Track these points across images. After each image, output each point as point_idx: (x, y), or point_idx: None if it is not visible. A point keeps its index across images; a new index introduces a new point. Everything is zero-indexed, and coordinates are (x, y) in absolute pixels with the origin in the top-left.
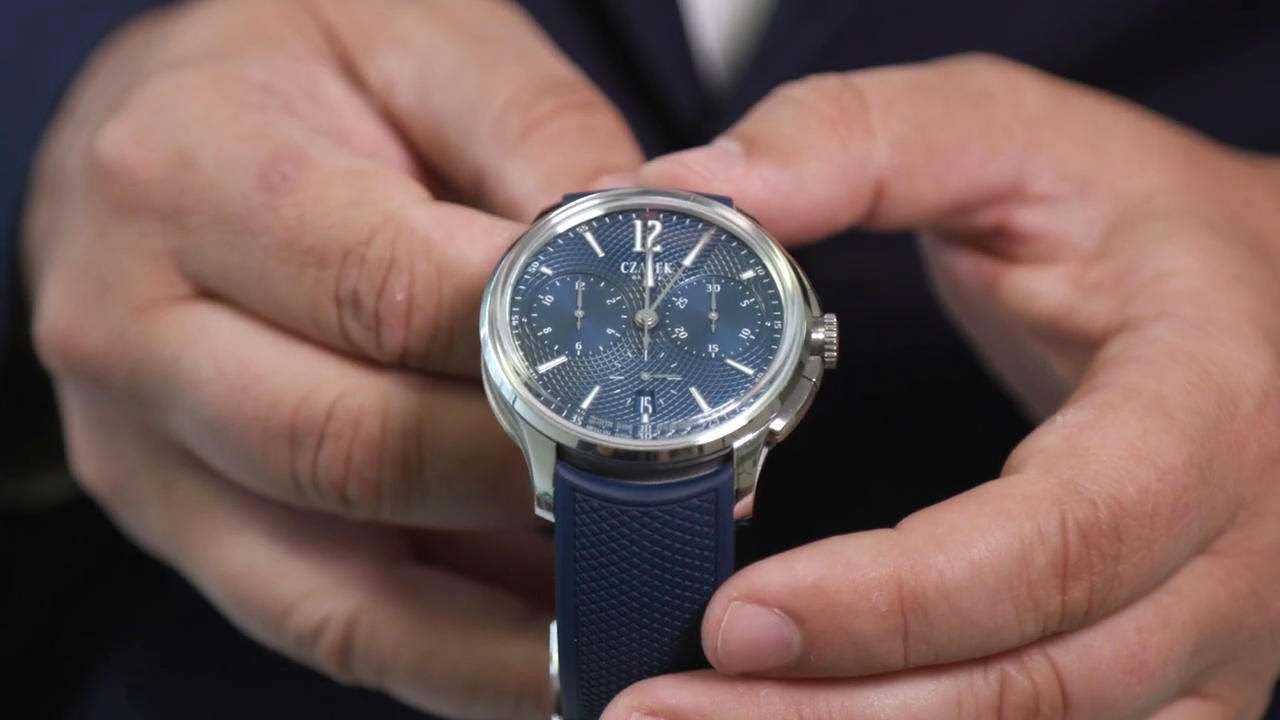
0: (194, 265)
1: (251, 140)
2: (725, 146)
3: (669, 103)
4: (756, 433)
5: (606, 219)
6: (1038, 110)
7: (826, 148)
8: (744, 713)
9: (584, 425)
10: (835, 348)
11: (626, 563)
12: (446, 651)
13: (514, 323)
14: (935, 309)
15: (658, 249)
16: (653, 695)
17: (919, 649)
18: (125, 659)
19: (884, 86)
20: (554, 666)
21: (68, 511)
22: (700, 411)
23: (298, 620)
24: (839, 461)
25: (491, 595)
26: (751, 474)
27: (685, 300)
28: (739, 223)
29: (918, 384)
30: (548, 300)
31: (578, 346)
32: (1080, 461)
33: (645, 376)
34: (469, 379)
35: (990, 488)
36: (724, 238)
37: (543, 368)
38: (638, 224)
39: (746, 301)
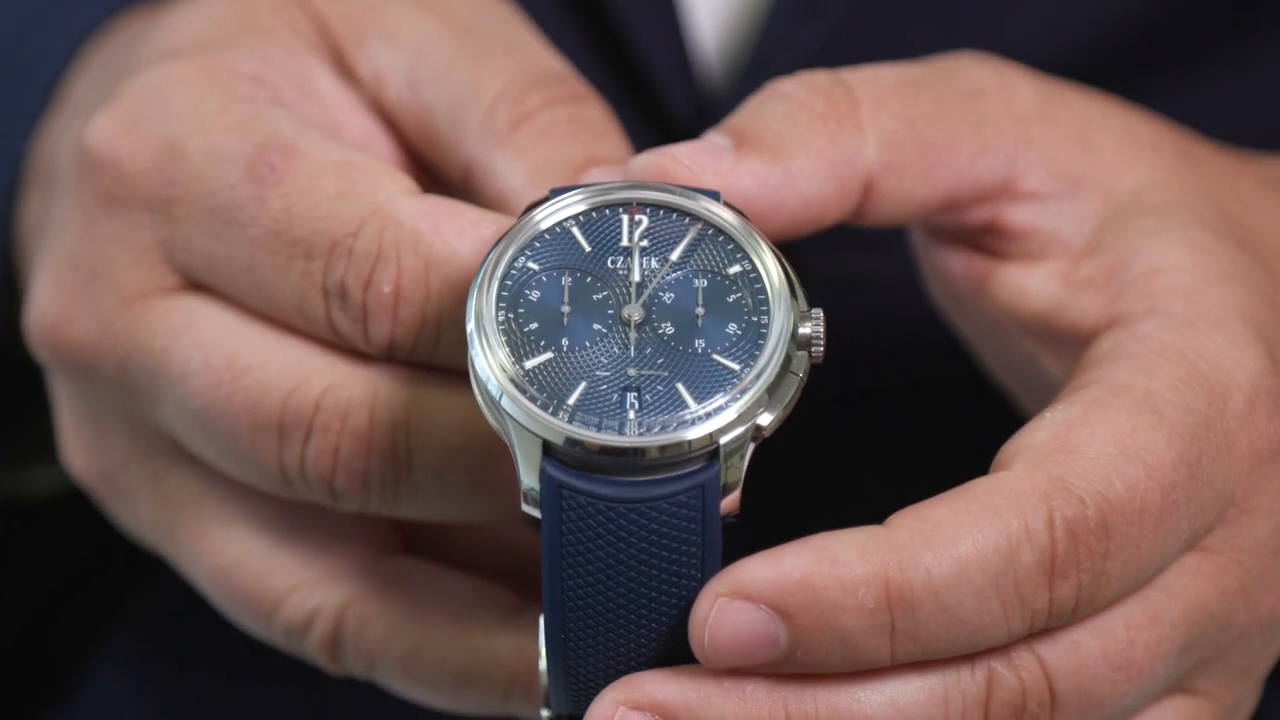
0: (182, 256)
1: (240, 132)
2: (714, 140)
3: (665, 103)
4: (743, 428)
5: (593, 213)
6: (1028, 107)
7: (816, 143)
8: (730, 708)
9: (570, 422)
10: (823, 342)
11: (613, 559)
12: (436, 643)
13: (500, 318)
14: (928, 308)
15: (644, 243)
16: (639, 690)
17: (906, 646)
18: (120, 652)
19: (874, 82)
20: (542, 661)
21: (62, 505)
22: (687, 407)
23: (287, 612)
24: (833, 459)
25: (481, 587)
26: (738, 469)
27: (672, 295)
28: (726, 217)
29: (911, 382)
30: (534, 295)
31: (564, 342)
32: (1069, 458)
33: (632, 372)
34: (457, 371)
35: (978, 484)
36: (711, 232)
37: (529, 364)
38: (624, 218)
39: (733, 296)
